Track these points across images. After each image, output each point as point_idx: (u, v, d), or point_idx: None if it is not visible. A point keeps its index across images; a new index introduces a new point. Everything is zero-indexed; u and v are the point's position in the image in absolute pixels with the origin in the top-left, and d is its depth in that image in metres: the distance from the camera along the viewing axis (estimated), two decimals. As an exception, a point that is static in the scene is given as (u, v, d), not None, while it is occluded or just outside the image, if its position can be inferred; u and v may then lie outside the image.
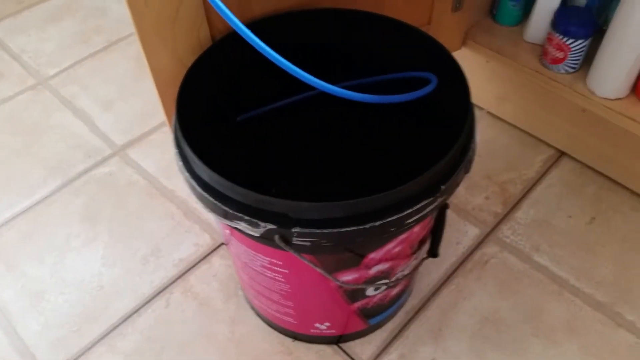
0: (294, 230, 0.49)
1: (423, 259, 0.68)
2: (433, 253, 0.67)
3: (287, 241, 0.51)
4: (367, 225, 0.49)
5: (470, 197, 0.90)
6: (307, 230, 0.49)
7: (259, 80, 0.71)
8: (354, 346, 0.76)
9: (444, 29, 0.86)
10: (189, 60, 0.64)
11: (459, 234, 0.86)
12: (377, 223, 0.49)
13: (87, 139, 1.05)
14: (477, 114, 1.03)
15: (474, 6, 0.88)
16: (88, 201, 0.95)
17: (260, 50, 0.53)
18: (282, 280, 0.62)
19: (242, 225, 0.52)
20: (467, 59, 0.96)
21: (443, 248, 0.79)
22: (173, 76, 0.66)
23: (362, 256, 0.57)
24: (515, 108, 0.98)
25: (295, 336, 0.77)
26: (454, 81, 0.61)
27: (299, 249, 0.52)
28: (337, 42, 0.68)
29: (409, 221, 0.51)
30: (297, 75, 0.54)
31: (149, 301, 0.82)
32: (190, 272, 0.85)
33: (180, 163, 0.56)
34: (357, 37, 0.68)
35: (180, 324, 0.80)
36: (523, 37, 0.93)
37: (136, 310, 0.82)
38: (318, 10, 0.68)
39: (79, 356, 0.77)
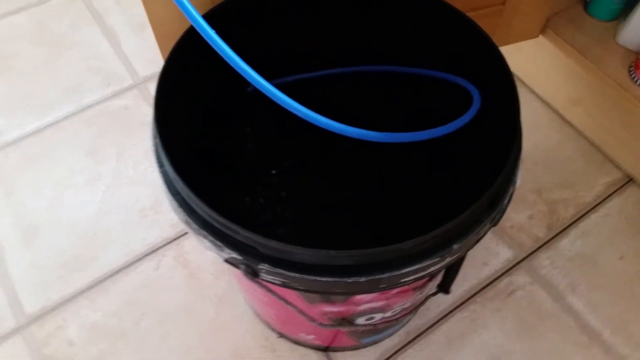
0: (260, 266, 0.41)
1: (431, 295, 0.58)
2: (444, 289, 0.58)
3: (255, 273, 0.42)
4: (349, 280, 0.40)
5: (512, 213, 0.78)
6: (276, 270, 0.40)
7: (276, 45, 0.60)
8: (342, 357, 0.69)
9: (520, 13, 0.72)
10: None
11: (488, 253, 0.75)
12: (362, 279, 0.40)
13: (110, 63, 0.97)
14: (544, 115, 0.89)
15: (564, -10, 0.72)
16: (98, 134, 0.89)
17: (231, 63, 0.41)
18: (260, 291, 0.54)
19: (206, 244, 0.43)
20: (544, 49, 0.81)
21: (466, 266, 0.69)
22: (176, 31, 0.56)
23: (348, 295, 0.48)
24: (588, 115, 0.83)
25: (281, 334, 0.70)
26: (501, 95, 0.49)
27: (269, 283, 0.43)
28: (361, 19, 0.57)
29: (404, 280, 0.41)
30: (290, 109, 0.41)
31: (139, 259, 0.77)
32: (186, 237, 0.78)
33: (155, 152, 0.47)
34: (386, 15, 0.56)
35: (165, 292, 0.74)
36: (615, 37, 0.76)
37: (125, 267, 0.76)
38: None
39: (60, 304, 0.74)
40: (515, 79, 0.91)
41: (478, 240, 0.44)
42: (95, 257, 0.77)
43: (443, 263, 0.41)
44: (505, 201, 0.45)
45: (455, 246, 0.41)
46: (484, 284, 0.73)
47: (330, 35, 0.61)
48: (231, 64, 0.39)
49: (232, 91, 0.59)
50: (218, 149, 0.64)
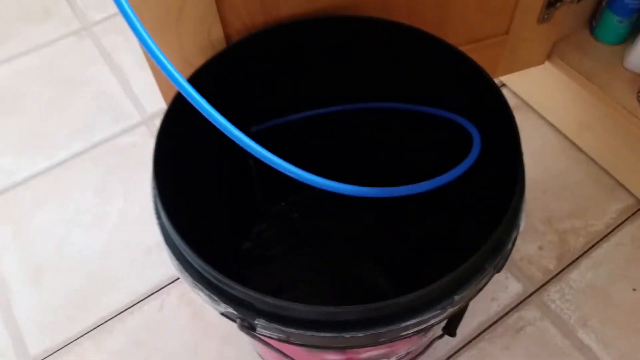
0: (257, 321, 0.40)
1: (436, 338, 0.57)
2: (450, 332, 0.56)
3: (251, 327, 0.42)
4: (347, 335, 0.39)
5: (522, 244, 0.77)
6: (272, 325, 0.40)
7: (277, 89, 0.61)
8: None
9: (524, 41, 0.71)
10: (198, 63, 0.54)
11: (497, 287, 0.73)
12: (361, 334, 0.39)
13: (118, 101, 0.98)
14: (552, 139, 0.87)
15: (568, 18, 0.71)
16: (106, 172, 0.90)
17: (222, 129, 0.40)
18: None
19: (202, 297, 0.43)
20: (551, 75, 0.80)
21: (474, 302, 0.68)
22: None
23: (350, 345, 0.47)
24: (598, 140, 0.82)
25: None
26: (502, 134, 0.48)
27: (266, 337, 0.43)
28: (363, 56, 0.57)
29: (405, 333, 0.40)
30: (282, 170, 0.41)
31: (143, 299, 0.77)
32: (192, 275, 0.78)
33: (154, 194, 0.48)
34: (386, 52, 0.56)
35: (170, 332, 0.74)
36: (623, 62, 0.75)
37: (129, 307, 0.76)
38: (350, 17, 0.56)
39: (64, 346, 0.73)
40: (523, 104, 0.91)
41: (481, 289, 0.43)
42: (101, 297, 0.77)
43: (444, 314, 0.40)
44: (509, 246, 0.44)
45: (456, 297, 0.40)
46: (493, 320, 0.71)
47: (330, 75, 0.61)
48: (218, 125, 0.39)
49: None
50: (222, 190, 0.64)
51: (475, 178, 0.49)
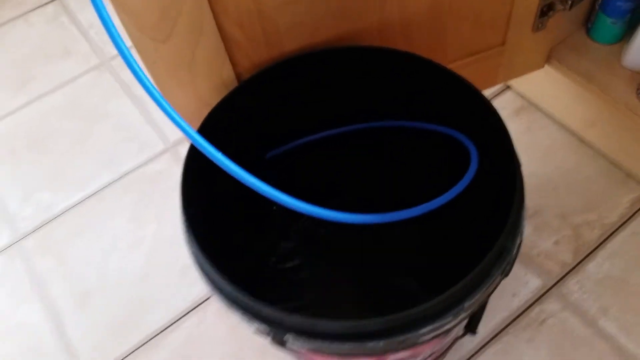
0: (286, 337, 0.44)
1: (458, 338, 0.60)
2: (471, 331, 0.60)
3: (282, 342, 0.46)
4: (369, 344, 0.43)
5: (538, 240, 0.80)
6: (301, 339, 0.44)
7: (288, 117, 0.65)
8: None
9: (521, 49, 0.74)
10: (213, 102, 0.59)
11: (517, 283, 0.76)
12: (381, 343, 0.43)
13: (141, 131, 1.04)
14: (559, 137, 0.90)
15: (562, 23, 0.74)
16: (137, 200, 0.95)
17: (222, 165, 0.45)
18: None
19: (236, 317, 0.47)
20: (552, 77, 0.83)
21: (496, 298, 0.71)
22: (196, 116, 0.60)
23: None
24: (604, 135, 0.84)
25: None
26: (497, 149, 0.52)
27: (296, 350, 0.47)
28: (366, 81, 0.61)
29: (422, 339, 0.44)
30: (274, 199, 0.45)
31: (182, 316, 0.82)
32: (225, 292, 0.83)
33: (184, 226, 0.52)
34: (386, 76, 0.60)
35: (210, 346, 0.79)
36: (620, 60, 0.78)
37: (170, 325, 0.81)
38: (348, 48, 0.60)
39: (118, 362, 0.79)
40: (529, 105, 0.94)
41: (490, 294, 0.46)
42: (144, 316, 0.82)
43: (457, 320, 0.44)
44: (514, 252, 0.47)
45: (466, 303, 0.44)
46: (515, 315, 0.74)
47: (335, 100, 0.65)
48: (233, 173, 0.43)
49: (251, 158, 0.64)
50: (245, 209, 0.69)
51: (479, 186, 0.53)
